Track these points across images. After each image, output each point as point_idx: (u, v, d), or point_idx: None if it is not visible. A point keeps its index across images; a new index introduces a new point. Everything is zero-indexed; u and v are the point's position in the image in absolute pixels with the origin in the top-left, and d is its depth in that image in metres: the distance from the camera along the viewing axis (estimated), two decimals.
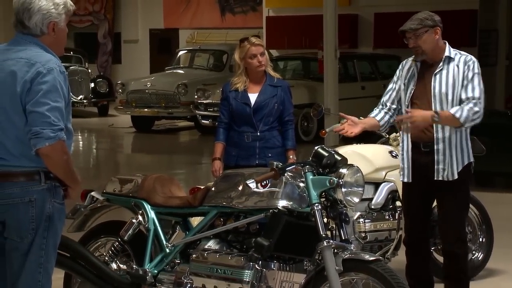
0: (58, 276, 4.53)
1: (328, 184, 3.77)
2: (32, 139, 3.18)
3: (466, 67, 4.49)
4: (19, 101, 3.23)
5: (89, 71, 18.38)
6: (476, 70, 4.49)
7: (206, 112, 13.94)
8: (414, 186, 4.58)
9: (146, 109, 15.11)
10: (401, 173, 4.62)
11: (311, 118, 13.04)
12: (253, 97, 5.20)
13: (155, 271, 4.25)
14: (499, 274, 5.77)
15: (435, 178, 4.49)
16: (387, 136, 5.51)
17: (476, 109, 4.41)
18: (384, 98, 4.68)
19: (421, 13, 4.59)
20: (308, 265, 3.84)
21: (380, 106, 4.68)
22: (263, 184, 3.95)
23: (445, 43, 4.57)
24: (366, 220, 4.99)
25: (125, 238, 4.37)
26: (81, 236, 4.59)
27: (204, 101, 14.02)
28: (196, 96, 14.23)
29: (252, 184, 3.82)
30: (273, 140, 5.19)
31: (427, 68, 4.56)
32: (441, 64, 4.52)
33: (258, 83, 5.24)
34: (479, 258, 5.60)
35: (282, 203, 3.90)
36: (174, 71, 16.19)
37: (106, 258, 4.37)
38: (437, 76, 4.51)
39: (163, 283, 4.23)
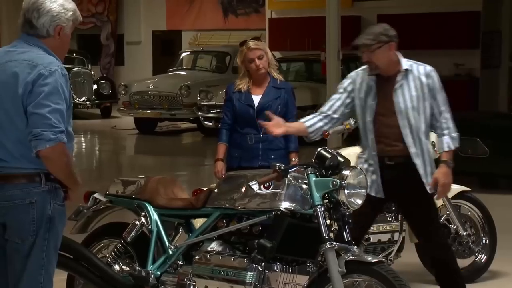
0: (61, 278, 4.54)
1: (331, 186, 3.77)
2: (32, 140, 3.18)
3: (429, 80, 4.41)
4: (20, 103, 3.23)
5: (92, 72, 18.40)
6: (438, 81, 4.44)
7: (208, 113, 13.94)
8: (372, 200, 4.39)
9: (149, 111, 15.11)
10: (374, 189, 4.42)
11: None
12: (256, 99, 5.20)
13: (158, 273, 4.25)
14: (502, 276, 5.76)
15: (430, 192, 4.40)
16: None
17: (453, 124, 4.41)
18: (325, 107, 4.51)
19: (377, 27, 4.43)
20: (311, 267, 3.84)
21: (317, 113, 4.53)
22: (266, 185, 3.95)
23: (397, 56, 4.43)
24: None
25: (128, 239, 4.37)
26: (84, 237, 4.59)
27: (207, 103, 14.02)
28: (198, 98, 14.24)
29: (255, 186, 3.82)
30: (276, 142, 5.18)
31: (384, 82, 4.43)
32: (399, 78, 4.40)
33: (262, 85, 5.24)
34: (483, 260, 5.60)
35: (285, 205, 3.90)
36: (177, 72, 16.20)
37: (109, 260, 4.37)
38: (399, 91, 4.39)
39: (166, 284, 4.23)
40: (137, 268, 4.26)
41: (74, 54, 19.03)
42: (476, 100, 15.33)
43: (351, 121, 5.47)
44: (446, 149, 4.39)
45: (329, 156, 3.85)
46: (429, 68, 4.46)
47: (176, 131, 16.19)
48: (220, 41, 19.49)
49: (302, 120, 4.54)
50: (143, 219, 4.35)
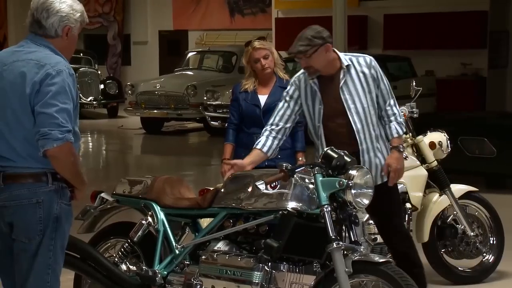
0: (68, 277, 4.54)
1: (337, 186, 3.76)
2: (40, 140, 3.19)
3: (372, 70, 4.40)
4: (28, 102, 3.24)
5: (99, 72, 18.44)
6: (379, 69, 4.45)
7: (215, 113, 13.95)
8: None
9: (155, 111, 15.13)
10: None
11: None
12: (262, 99, 5.20)
13: (165, 272, 4.25)
14: (510, 276, 5.74)
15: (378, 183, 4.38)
16: None
17: (398, 109, 4.46)
18: (275, 119, 4.47)
19: (309, 30, 4.33)
20: (318, 267, 3.83)
21: (268, 130, 4.48)
22: (272, 185, 3.95)
23: (336, 53, 4.40)
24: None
25: (135, 239, 4.37)
26: (91, 237, 4.60)
27: (213, 103, 14.03)
28: (205, 98, 14.24)
29: (261, 186, 3.82)
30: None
31: (328, 83, 4.40)
32: (342, 75, 4.38)
33: (268, 85, 5.24)
34: (490, 261, 5.58)
35: (291, 205, 3.90)
36: (184, 72, 16.21)
37: (116, 259, 4.37)
38: (344, 89, 4.37)
39: (173, 284, 4.23)
40: (144, 267, 4.26)
41: (81, 54, 19.07)
42: (483, 100, 15.30)
43: None
44: (395, 135, 4.42)
45: (335, 156, 3.84)
46: (369, 58, 4.45)
47: (183, 131, 16.20)
48: (227, 41, 19.50)
49: (258, 146, 4.45)
50: (149, 219, 4.35)
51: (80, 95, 17.36)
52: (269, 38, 14.68)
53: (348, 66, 4.39)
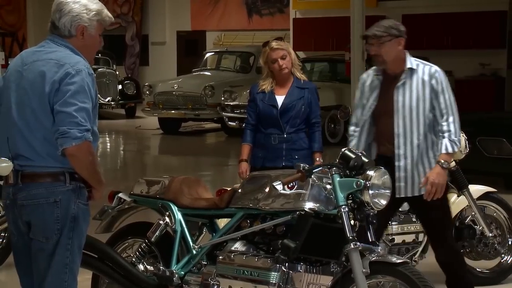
0: (86, 277, 4.56)
1: (355, 186, 3.75)
2: (59, 138, 3.21)
3: (433, 80, 4.37)
4: (47, 101, 3.26)
5: (117, 73, 18.51)
6: (444, 82, 4.38)
7: (232, 114, 13.96)
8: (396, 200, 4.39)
9: (173, 111, 15.17)
10: None
11: (338, 120, 13.00)
12: (280, 99, 5.20)
13: (182, 273, 4.26)
14: None
15: (396, 195, 4.36)
16: None
17: (456, 126, 4.35)
18: (354, 118, 4.54)
19: (387, 20, 4.44)
20: (335, 268, 3.83)
21: (352, 130, 4.52)
22: (289, 186, 3.94)
23: (405, 53, 4.42)
24: (393, 223, 4.96)
25: (152, 239, 4.38)
26: (109, 237, 4.61)
27: (231, 103, 14.04)
28: (222, 98, 14.26)
29: (278, 186, 3.82)
30: (299, 142, 5.18)
31: (389, 81, 4.42)
32: (403, 76, 4.39)
33: (285, 85, 5.24)
34: (509, 262, 5.54)
35: (308, 205, 3.89)
36: (201, 73, 16.24)
37: (133, 259, 4.38)
38: (400, 89, 4.38)
39: (190, 284, 4.24)
40: (161, 267, 4.27)
41: (99, 55, 19.13)
42: (502, 100, 15.20)
43: None
44: (443, 151, 4.33)
45: (353, 156, 3.83)
46: (434, 69, 4.42)
47: (200, 131, 16.23)
48: (245, 41, 19.52)
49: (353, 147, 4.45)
50: (167, 219, 4.36)
51: (98, 95, 17.42)
52: (286, 39, 14.66)
53: (411, 69, 4.40)
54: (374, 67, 4.49)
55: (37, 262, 3.37)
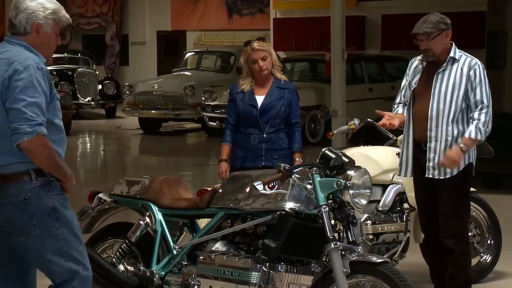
0: None
1: (335, 186, 3.76)
2: (12, 135, 3.26)
3: (472, 71, 4.57)
4: (0, 99, 3.31)
5: (97, 73, 18.41)
6: (482, 75, 4.57)
7: (213, 114, 13.94)
8: (418, 183, 4.72)
9: (153, 111, 15.12)
10: (400, 168, 4.75)
11: (318, 120, 13.02)
12: (260, 99, 5.20)
13: (162, 273, 4.25)
14: (507, 276, 5.75)
15: (426, 175, 4.62)
16: (395, 138, 5.50)
17: (487, 118, 4.55)
18: (399, 97, 4.82)
19: (434, 15, 4.62)
20: (316, 267, 3.84)
21: (400, 104, 4.81)
22: (270, 186, 3.95)
23: (451, 44, 4.64)
24: (373, 222, 4.97)
25: (133, 239, 4.37)
26: (89, 237, 4.59)
27: (211, 103, 14.02)
28: (203, 98, 14.23)
29: (259, 186, 3.82)
30: (279, 142, 5.18)
31: (432, 67, 4.65)
32: (444, 64, 4.60)
33: (265, 85, 5.24)
34: (488, 261, 5.58)
35: (289, 205, 3.90)
36: (181, 73, 16.20)
37: (114, 260, 4.37)
38: (439, 76, 4.61)
39: (170, 284, 4.23)
40: (141, 268, 4.26)
41: (79, 55, 19.06)
42: None
43: (356, 121, 5.48)
44: (466, 135, 4.55)
45: (333, 156, 3.84)
46: (475, 61, 4.63)
47: (181, 131, 16.19)
48: (225, 41, 19.50)
49: (400, 111, 4.77)
50: (147, 219, 4.35)
51: (78, 95, 17.35)
52: (267, 39, 14.67)
53: (453, 58, 4.60)
54: (421, 55, 4.69)
55: (33, 263, 3.44)
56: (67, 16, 3.51)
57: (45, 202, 3.37)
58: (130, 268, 4.31)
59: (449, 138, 4.58)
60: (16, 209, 3.36)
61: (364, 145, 5.55)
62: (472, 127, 4.55)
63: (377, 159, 5.16)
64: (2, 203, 3.38)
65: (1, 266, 3.50)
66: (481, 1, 15.38)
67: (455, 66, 4.60)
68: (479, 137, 4.56)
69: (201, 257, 4.11)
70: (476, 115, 4.56)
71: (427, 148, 4.61)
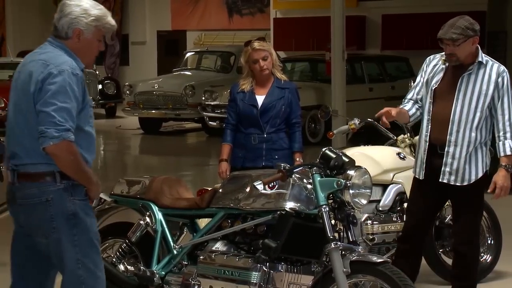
0: None
1: (335, 186, 3.76)
2: (39, 138, 3.26)
3: (500, 78, 4.45)
4: (32, 101, 3.32)
5: (97, 72, 18.39)
6: (509, 83, 4.47)
7: (213, 113, 13.94)
8: (425, 185, 4.58)
9: (153, 111, 15.12)
10: (414, 168, 4.64)
11: (319, 120, 13.02)
12: (260, 99, 5.20)
13: (163, 273, 4.25)
14: (507, 276, 5.75)
15: (440, 180, 4.49)
16: (395, 137, 5.50)
17: None
18: (412, 93, 4.65)
19: (463, 20, 4.45)
20: (316, 267, 3.84)
21: (411, 101, 4.64)
22: (270, 185, 3.95)
23: (477, 48, 4.50)
24: (373, 222, 4.97)
25: (133, 239, 4.37)
26: None
27: (212, 103, 14.02)
28: (203, 98, 14.24)
29: (259, 186, 3.82)
30: (280, 142, 5.18)
31: (456, 68, 4.49)
32: (471, 67, 4.46)
33: (266, 85, 5.24)
34: (488, 261, 5.58)
35: (289, 205, 3.90)
36: (182, 72, 16.20)
37: (114, 260, 4.37)
38: (465, 79, 4.46)
39: (171, 284, 4.23)
40: (141, 268, 4.26)
41: None
42: None
43: (356, 121, 5.48)
44: (509, 152, 4.43)
45: (333, 156, 3.84)
46: (503, 68, 4.51)
47: (181, 131, 16.19)
48: (225, 41, 19.50)
49: (404, 107, 4.60)
50: (147, 219, 4.35)
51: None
52: (267, 38, 14.66)
53: (480, 63, 4.47)
54: (441, 53, 4.55)
55: (51, 262, 3.43)
56: (112, 22, 3.51)
57: (66, 206, 3.36)
58: (130, 268, 4.31)
59: (471, 145, 4.44)
60: (37, 210, 3.36)
61: (364, 145, 5.55)
62: (507, 143, 4.41)
63: (377, 159, 5.16)
64: (25, 202, 3.37)
65: (20, 266, 3.52)
66: (481, 1, 15.39)
67: (481, 71, 4.44)
68: None
69: (201, 257, 4.11)
70: (508, 127, 4.42)
71: (445, 152, 4.46)
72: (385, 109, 4.49)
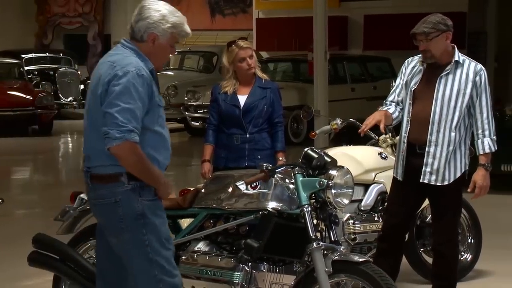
0: (47, 279, 4.53)
1: (317, 186, 3.77)
2: (104, 139, 3.30)
3: (477, 77, 4.47)
4: (99, 102, 3.36)
5: (79, 72, 18.35)
6: (486, 81, 4.50)
7: (196, 114, 13.93)
8: (404, 185, 4.60)
9: None
10: (395, 169, 4.66)
11: (301, 120, 13.05)
12: (242, 99, 5.20)
13: None
14: (487, 275, 5.79)
15: (421, 180, 4.51)
16: (377, 137, 5.52)
17: (493, 125, 4.48)
18: (393, 96, 4.67)
19: (434, 16, 4.51)
20: (298, 267, 3.85)
21: (393, 103, 4.65)
22: (253, 186, 3.96)
23: (453, 47, 4.53)
24: (355, 222, 4.99)
25: None
26: (71, 238, 4.58)
27: (194, 103, 14.01)
28: (186, 98, 14.21)
29: (242, 186, 3.83)
30: (262, 142, 5.18)
31: (433, 69, 4.52)
32: (448, 67, 4.48)
33: (248, 85, 5.24)
34: (468, 259, 5.62)
35: (272, 205, 3.91)
36: (164, 72, 16.15)
37: (95, 260, 4.35)
38: (443, 79, 4.48)
39: None
40: None
41: (61, 54, 18.98)
42: None
43: (338, 121, 5.50)
44: (487, 151, 4.47)
45: (316, 156, 3.85)
46: (480, 66, 4.53)
47: None
48: (207, 41, 19.47)
49: (388, 109, 4.61)
50: None
51: (60, 95, 17.27)
52: (250, 39, 14.67)
53: (457, 62, 4.48)
54: (419, 55, 4.57)
55: (122, 260, 3.48)
56: (188, 30, 3.52)
57: (134, 206, 3.39)
58: None
59: (451, 144, 4.47)
60: (107, 210, 3.42)
61: (346, 144, 5.57)
62: (488, 140, 4.46)
63: (359, 159, 5.18)
64: (97, 203, 3.47)
65: (102, 261, 3.61)
66: (461, 2, 15.49)
67: (459, 70, 4.46)
68: (494, 148, 4.49)
69: (183, 257, 4.11)
70: (486, 125, 4.46)
71: (425, 152, 4.48)
72: (374, 120, 4.49)
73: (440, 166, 4.49)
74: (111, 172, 3.39)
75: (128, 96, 3.30)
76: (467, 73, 4.47)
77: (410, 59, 4.66)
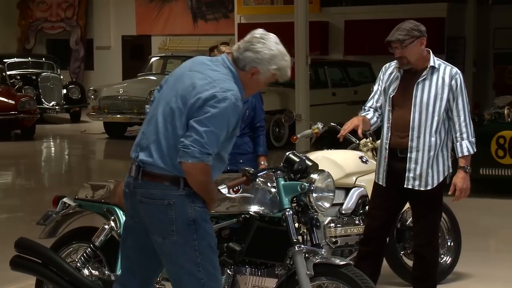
0: (29, 283, 4.53)
1: (299, 190, 3.80)
2: (180, 150, 3.29)
3: (453, 81, 4.51)
4: (186, 111, 3.34)
5: (61, 77, 18.29)
6: (463, 84, 4.54)
7: None
8: (386, 189, 4.65)
9: (118, 115, 15.06)
10: (376, 174, 4.70)
11: (283, 124, 13.10)
12: None
13: None
14: (466, 277, 5.85)
15: (404, 186, 4.57)
16: (358, 141, 5.57)
17: (471, 127, 4.53)
18: (371, 102, 4.71)
19: (408, 23, 4.54)
20: (280, 270, 3.87)
21: (371, 109, 4.69)
22: (235, 189, 3.98)
23: (429, 52, 4.57)
24: (336, 225, 5.03)
25: (97, 244, 4.36)
26: (53, 242, 4.58)
27: None
28: None
29: (224, 190, 3.84)
30: (244, 146, 5.21)
31: (410, 75, 4.57)
32: (425, 73, 4.53)
33: None
34: (447, 262, 5.67)
35: (253, 209, 3.93)
36: (147, 77, 16.16)
37: (78, 264, 4.35)
38: (420, 85, 4.53)
39: None
40: (106, 272, 4.26)
41: (43, 59, 18.91)
42: None
43: (319, 125, 5.54)
44: (466, 153, 4.52)
45: (297, 160, 3.88)
46: (455, 70, 4.57)
47: None
48: (190, 46, 19.49)
49: (366, 115, 4.65)
50: (112, 224, 4.35)
51: (43, 99, 17.21)
52: (231, 44, 14.69)
53: (433, 67, 4.52)
54: (395, 61, 4.60)
55: (164, 261, 3.48)
56: (288, 74, 3.50)
57: (187, 212, 3.39)
58: (95, 272, 4.30)
59: (432, 149, 4.51)
60: (158, 211, 3.39)
61: (327, 149, 5.61)
62: (466, 143, 4.52)
63: (340, 163, 5.22)
64: (146, 201, 3.41)
65: (130, 259, 3.57)
66: (440, 8, 15.64)
67: (435, 75, 4.50)
68: (473, 150, 4.54)
69: None
70: (463, 128, 4.51)
71: (407, 158, 4.53)
72: (352, 125, 4.54)
73: (422, 171, 4.54)
74: (168, 174, 3.37)
75: (220, 122, 3.30)
76: (443, 78, 4.52)
77: (387, 65, 4.70)
